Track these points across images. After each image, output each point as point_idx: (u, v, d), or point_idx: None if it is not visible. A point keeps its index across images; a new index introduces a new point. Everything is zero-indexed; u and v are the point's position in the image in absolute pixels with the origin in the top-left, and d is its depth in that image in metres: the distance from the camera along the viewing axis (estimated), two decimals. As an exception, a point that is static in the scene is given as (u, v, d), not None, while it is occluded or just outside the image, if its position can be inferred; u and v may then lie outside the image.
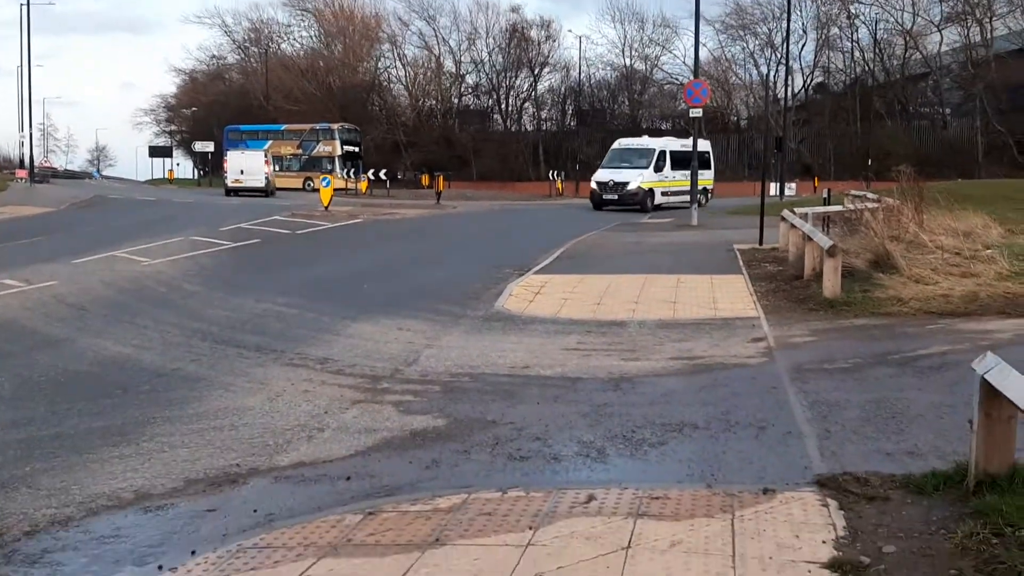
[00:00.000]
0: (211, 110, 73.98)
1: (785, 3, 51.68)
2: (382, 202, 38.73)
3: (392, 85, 74.58)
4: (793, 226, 15.27)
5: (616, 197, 32.79)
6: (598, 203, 33.28)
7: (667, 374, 8.13)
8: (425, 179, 52.80)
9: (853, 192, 24.44)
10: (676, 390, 7.55)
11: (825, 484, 5.08)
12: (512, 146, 68.94)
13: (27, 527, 4.90)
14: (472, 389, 7.67)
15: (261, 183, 42.82)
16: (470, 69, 72.99)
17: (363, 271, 15.96)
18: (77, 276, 14.46)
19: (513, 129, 72.53)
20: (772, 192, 36.54)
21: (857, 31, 66.09)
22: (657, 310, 11.32)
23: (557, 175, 54.16)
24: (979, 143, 57.60)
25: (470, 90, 74.48)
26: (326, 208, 30.13)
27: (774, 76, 56.72)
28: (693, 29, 28.02)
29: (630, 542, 4.34)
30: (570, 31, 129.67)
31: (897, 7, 63.31)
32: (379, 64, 74.00)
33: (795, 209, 18.21)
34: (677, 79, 67.76)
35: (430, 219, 29.37)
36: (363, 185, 49.18)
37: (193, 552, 4.47)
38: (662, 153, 34.16)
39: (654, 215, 30.88)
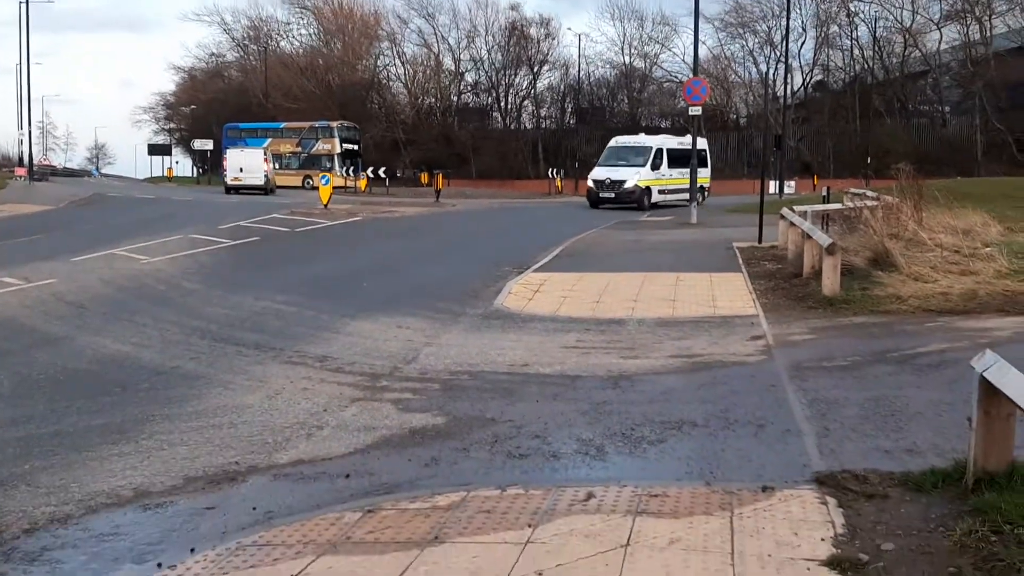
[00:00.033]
0: (210, 108, 73.96)
1: (784, 1, 51.62)
2: (381, 200, 38.72)
3: (391, 83, 74.68)
4: (792, 224, 15.27)
5: (613, 195, 32.71)
6: (595, 201, 33.18)
7: (666, 372, 8.13)
8: (424, 177, 52.75)
9: (852, 190, 24.40)
10: (675, 388, 7.55)
11: (824, 482, 5.09)
12: (511, 144, 68.91)
13: (26, 525, 4.90)
14: (471, 387, 7.68)
15: (260, 181, 42.83)
16: (469, 67, 73.12)
17: (362, 269, 15.96)
18: (76, 274, 14.45)
19: (512, 127, 72.50)
20: (771, 190, 36.54)
21: (856, 29, 66.22)
22: (656, 308, 11.32)
23: (556, 173, 54.14)
24: (978, 141, 57.59)
25: (469, 88, 74.55)
26: (325, 206, 30.12)
27: (773, 74, 56.63)
28: (692, 27, 27.98)
29: (629, 540, 4.35)
30: (569, 29, 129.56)
31: (896, 5, 63.36)
32: (378, 62, 74.09)
33: (794, 207, 18.20)
34: (676, 77, 67.77)
35: (429, 217, 29.35)
36: (362, 183, 49.18)
37: (192, 550, 4.47)
38: (659, 151, 34.08)
39: (653, 213, 30.88)
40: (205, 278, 14.51)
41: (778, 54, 61.67)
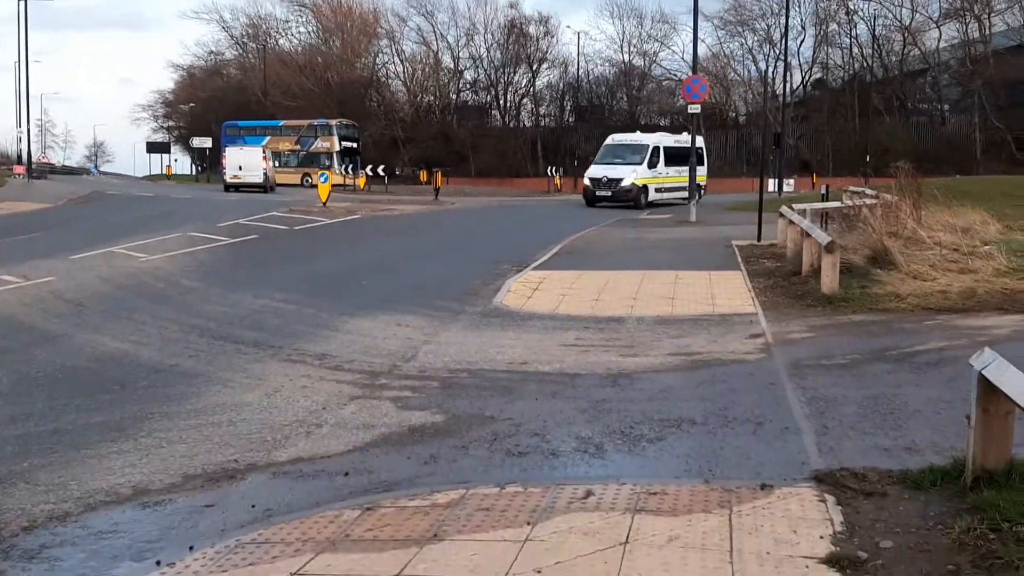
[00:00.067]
0: (209, 106, 73.90)
1: (784, -1, 51.63)
2: (380, 198, 38.68)
3: (390, 81, 74.58)
4: (791, 222, 15.27)
5: (609, 194, 32.49)
6: (591, 200, 32.93)
7: (665, 370, 8.13)
8: (423, 175, 52.72)
9: (851, 188, 24.41)
10: (674, 386, 7.55)
11: (823, 480, 5.09)
12: (510, 142, 68.87)
13: (25, 523, 4.90)
14: (470, 385, 7.67)
15: (259, 179, 42.85)
16: (468, 65, 73.01)
17: (361, 267, 15.96)
18: (75, 272, 14.44)
19: (511, 125, 72.43)
20: (770, 188, 36.54)
21: (856, 27, 66.12)
22: (655, 306, 11.32)
23: (555, 171, 54.11)
24: (977, 139, 57.58)
25: (468, 86, 74.45)
26: (324, 204, 30.10)
27: (772, 72, 56.55)
28: (692, 25, 27.97)
29: (628, 537, 4.35)
30: (568, 27, 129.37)
31: (895, 3, 63.27)
32: (377, 60, 74.00)
33: (793, 205, 18.18)
34: (675, 75, 67.63)
35: (428, 215, 29.34)
36: (361, 181, 49.12)
37: (191, 548, 4.47)
38: (655, 149, 33.91)
39: (652, 211, 30.85)
40: (204, 276, 14.51)
41: (777, 52, 61.58)
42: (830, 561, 4.03)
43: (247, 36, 78.55)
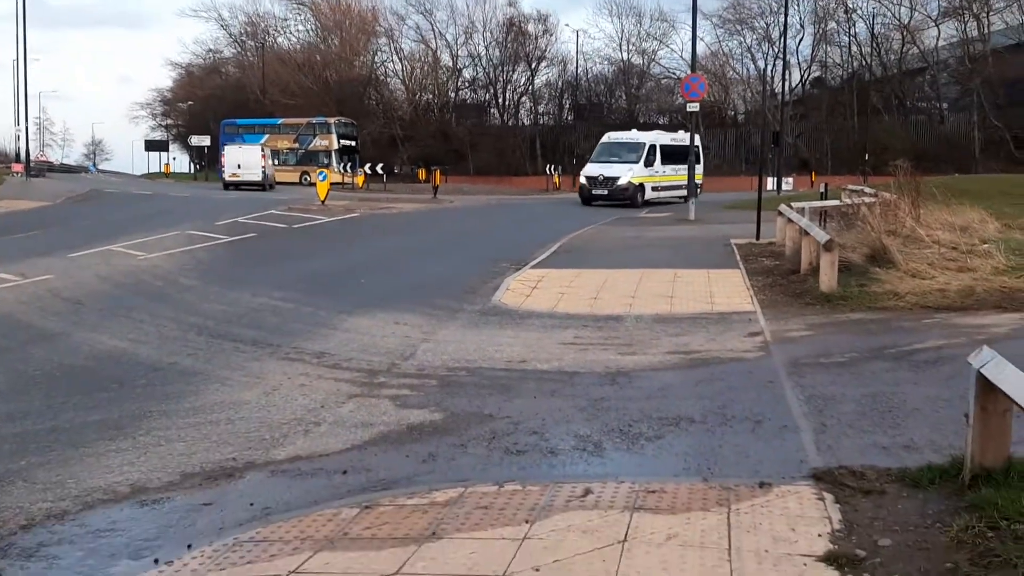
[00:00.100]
0: (207, 104, 73.81)
1: (782, -3, 51.64)
2: (379, 196, 38.67)
3: (389, 79, 74.60)
4: (790, 221, 15.27)
5: (606, 192, 32.38)
6: (587, 198, 32.83)
7: (664, 368, 8.13)
8: (422, 173, 52.64)
9: (850, 187, 24.43)
10: (673, 384, 7.55)
11: (821, 478, 5.09)
12: (509, 140, 68.85)
13: (23, 521, 4.90)
14: (469, 383, 7.67)
15: (258, 177, 42.89)
16: (467, 63, 73.00)
17: (359, 265, 15.95)
18: (73, 270, 14.43)
19: (510, 123, 72.42)
20: (769, 187, 36.55)
21: (854, 26, 66.14)
22: (654, 304, 11.32)
23: (554, 169, 54.09)
24: (976, 138, 57.61)
25: (467, 84, 74.45)
26: (322, 202, 30.07)
27: (771, 70, 56.61)
28: (690, 23, 27.99)
29: (626, 535, 4.35)
30: (567, 25, 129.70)
31: (894, 2, 63.31)
32: (376, 58, 74.01)
33: (792, 204, 18.19)
34: (674, 73, 67.67)
35: (427, 213, 29.33)
36: (360, 179, 49.07)
37: (189, 546, 4.47)
38: (652, 147, 33.81)
39: (651, 210, 30.85)
40: (202, 274, 14.50)
41: (776, 50, 61.64)
42: (828, 559, 4.03)
43: (246, 34, 78.61)
